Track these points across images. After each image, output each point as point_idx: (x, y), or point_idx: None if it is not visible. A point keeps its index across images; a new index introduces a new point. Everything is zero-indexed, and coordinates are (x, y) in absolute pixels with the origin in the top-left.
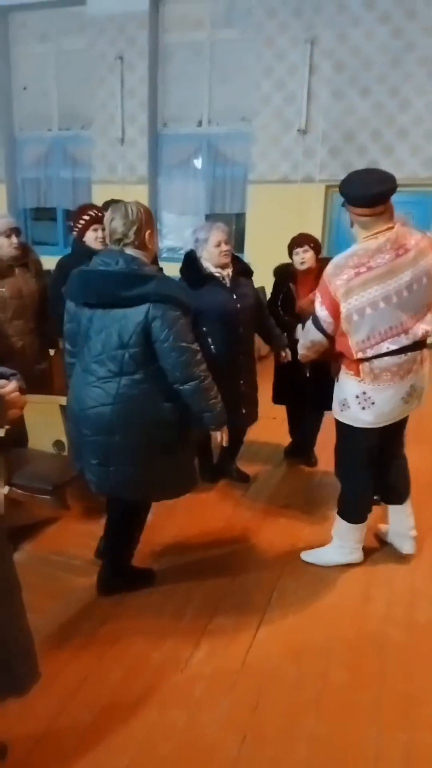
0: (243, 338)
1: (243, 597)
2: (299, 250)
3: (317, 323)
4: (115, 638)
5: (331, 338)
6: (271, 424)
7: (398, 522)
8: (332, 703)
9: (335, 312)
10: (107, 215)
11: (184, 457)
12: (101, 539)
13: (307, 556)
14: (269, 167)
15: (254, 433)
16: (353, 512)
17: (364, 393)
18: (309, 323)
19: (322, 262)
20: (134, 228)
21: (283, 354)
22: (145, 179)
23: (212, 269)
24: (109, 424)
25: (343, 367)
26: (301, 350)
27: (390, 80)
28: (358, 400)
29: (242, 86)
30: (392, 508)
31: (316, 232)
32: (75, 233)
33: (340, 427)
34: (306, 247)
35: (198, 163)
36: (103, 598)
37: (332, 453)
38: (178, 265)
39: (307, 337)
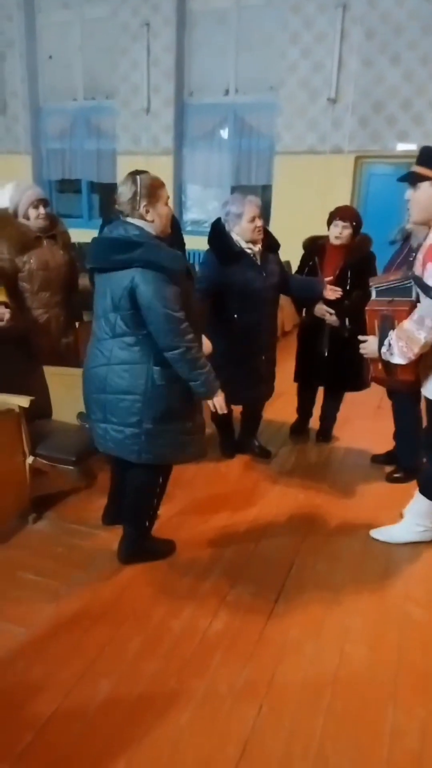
0: (268, 314)
1: (262, 570)
2: (340, 223)
3: None
4: (135, 607)
5: None
6: (294, 402)
7: None
8: (350, 678)
9: None
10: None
11: (180, 425)
12: (106, 506)
13: (377, 534)
14: (296, 138)
15: (276, 411)
16: None
17: None
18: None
19: (358, 240)
20: (131, 200)
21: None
22: (169, 150)
23: (243, 245)
24: (104, 383)
25: None
26: (416, 348)
27: (421, 47)
28: None
29: (269, 54)
30: None
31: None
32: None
33: None
34: (347, 224)
35: (224, 133)
36: (124, 568)
37: (354, 431)
38: (201, 238)
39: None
